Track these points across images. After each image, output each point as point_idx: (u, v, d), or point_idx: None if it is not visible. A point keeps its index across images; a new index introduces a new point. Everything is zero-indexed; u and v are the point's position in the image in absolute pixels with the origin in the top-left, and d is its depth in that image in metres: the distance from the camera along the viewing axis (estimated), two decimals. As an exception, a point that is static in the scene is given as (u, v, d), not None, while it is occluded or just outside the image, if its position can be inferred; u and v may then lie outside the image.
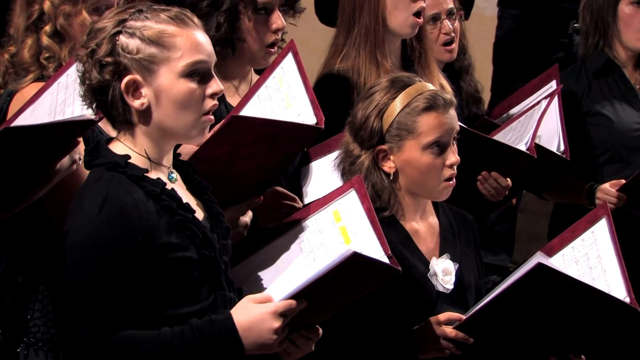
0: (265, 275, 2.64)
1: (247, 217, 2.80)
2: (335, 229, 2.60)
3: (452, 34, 3.70)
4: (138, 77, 2.32)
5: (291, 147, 2.78)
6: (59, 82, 2.55)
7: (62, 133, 2.40)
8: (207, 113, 2.37)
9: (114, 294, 2.27)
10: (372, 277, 2.49)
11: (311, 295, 2.36)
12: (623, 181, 3.63)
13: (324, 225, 2.63)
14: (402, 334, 2.79)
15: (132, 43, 2.32)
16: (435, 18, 3.67)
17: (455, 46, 3.73)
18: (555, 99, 3.58)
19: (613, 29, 3.77)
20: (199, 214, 2.42)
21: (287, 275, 2.61)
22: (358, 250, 2.38)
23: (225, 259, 2.44)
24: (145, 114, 2.34)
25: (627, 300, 2.77)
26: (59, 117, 2.48)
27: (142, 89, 2.33)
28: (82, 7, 2.72)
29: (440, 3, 3.68)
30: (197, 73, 2.34)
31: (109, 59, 2.31)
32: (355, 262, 2.34)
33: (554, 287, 2.66)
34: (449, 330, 2.76)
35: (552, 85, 3.72)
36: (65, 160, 2.45)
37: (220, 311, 2.37)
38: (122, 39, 2.32)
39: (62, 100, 2.51)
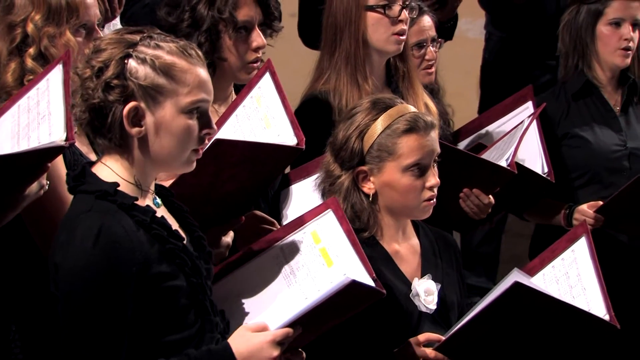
0: (244, 296, 2.63)
1: (229, 238, 2.80)
2: (315, 251, 2.59)
3: (433, 61, 3.75)
4: (142, 104, 2.30)
5: (272, 168, 2.77)
6: (19, 104, 2.51)
7: (31, 160, 2.37)
8: (197, 150, 2.37)
9: (111, 328, 2.25)
10: (359, 301, 2.49)
11: (306, 322, 2.37)
12: (600, 203, 3.63)
13: (302, 246, 2.62)
14: (383, 355, 2.79)
15: (142, 70, 2.29)
16: (420, 45, 3.71)
17: (434, 69, 3.77)
18: (535, 121, 3.59)
19: (592, 49, 3.79)
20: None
21: (267, 296, 2.59)
22: (353, 277, 2.39)
23: (209, 284, 2.44)
24: (142, 142, 2.32)
25: (607, 317, 2.77)
26: (24, 142, 2.43)
27: (144, 117, 2.30)
28: (65, 28, 2.71)
29: (425, 30, 3.72)
30: (198, 111, 2.34)
31: (117, 82, 2.28)
32: (352, 290, 2.34)
33: (532, 305, 2.65)
34: (429, 351, 2.76)
35: (528, 105, 3.73)
36: (34, 186, 2.42)
37: (207, 337, 2.37)
38: (132, 63, 2.29)
39: (25, 123, 2.47)
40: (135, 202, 2.32)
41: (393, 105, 2.87)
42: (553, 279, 2.89)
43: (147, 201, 2.37)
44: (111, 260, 2.24)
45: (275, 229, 2.94)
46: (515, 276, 2.81)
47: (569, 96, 3.83)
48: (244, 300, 2.61)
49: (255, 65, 3.06)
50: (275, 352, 2.32)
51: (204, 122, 2.34)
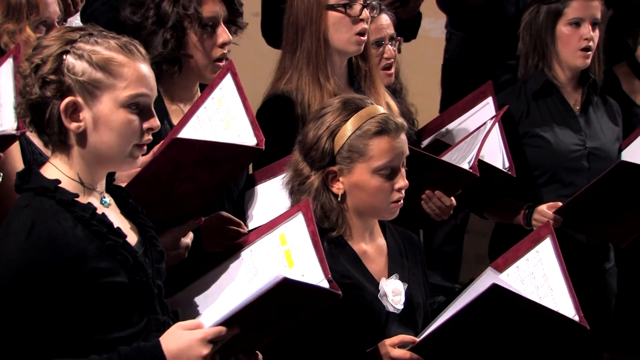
0: (209, 299, 2.63)
1: (188, 239, 2.79)
2: (280, 253, 2.61)
3: (392, 59, 3.74)
4: (79, 99, 2.31)
5: (231, 169, 2.76)
6: None
7: None
8: (141, 146, 2.36)
9: (41, 321, 2.24)
10: (310, 302, 2.47)
11: (243, 321, 2.34)
12: (559, 204, 3.64)
13: (270, 248, 2.63)
14: (355, 356, 2.78)
15: (79, 65, 2.30)
16: (378, 43, 3.70)
17: (394, 70, 3.76)
18: (494, 118, 3.58)
19: (552, 49, 3.78)
20: (132, 238, 2.40)
21: (230, 299, 2.59)
22: (300, 278, 2.40)
23: (158, 283, 2.42)
24: (81, 137, 2.32)
25: (576, 318, 2.79)
26: None
27: (81, 112, 2.31)
28: (25, 25, 2.70)
29: (383, 28, 3.71)
30: (137, 105, 2.33)
31: (53, 77, 2.29)
32: (286, 288, 2.32)
33: (508, 307, 2.65)
34: (402, 353, 2.76)
35: (488, 101, 3.73)
36: None
37: (153, 335, 2.36)
38: (69, 59, 2.31)
39: None
40: (76, 198, 2.32)
41: (364, 106, 2.86)
42: (517, 279, 2.89)
43: (91, 199, 2.36)
44: (43, 254, 2.24)
45: (241, 229, 2.94)
46: (491, 277, 2.81)
47: (529, 95, 3.83)
48: (208, 304, 2.62)
49: (221, 63, 3.05)
50: (205, 351, 2.30)
51: (145, 116, 2.35)
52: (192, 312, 2.61)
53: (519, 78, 3.90)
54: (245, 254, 2.65)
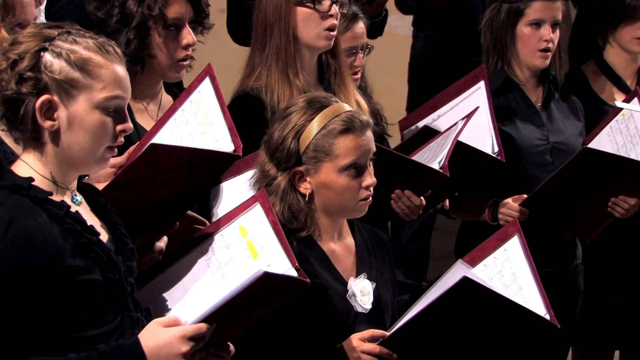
0: (174, 294, 2.62)
1: (162, 243, 2.77)
2: (242, 244, 2.60)
3: (360, 67, 3.73)
4: (55, 98, 2.29)
5: (208, 175, 2.76)
6: None
7: None
8: (112, 148, 2.36)
9: (18, 319, 2.23)
10: (282, 291, 2.49)
11: (221, 317, 2.35)
12: (525, 196, 3.64)
13: (230, 240, 2.62)
14: (325, 351, 2.78)
15: (57, 63, 2.29)
16: (351, 51, 3.68)
17: (359, 75, 3.75)
18: (486, 100, 3.60)
19: (511, 49, 3.77)
20: (104, 236, 2.39)
21: (196, 293, 2.59)
22: (267, 268, 2.40)
23: (130, 280, 2.42)
24: (55, 136, 2.31)
25: (547, 317, 2.79)
26: None
27: (57, 111, 2.30)
28: (0, 26, 2.69)
29: (358, 37, 3.69)
30: (113, 107, 2.32)
31: (30, 74, 2.28)
32: (265, 281, 2.34)
33: (478, 300, 2.66)
34: (373, 347, 2.76)
35: (480, 86, 3.70)
36: None
37: (127, 333, 2.35)
38: (47, 56, 2.30)
39: None
40: (50, 196, 2.31)
41: (328, 104, 2.85)
42: (486, 277, 2.88)
43: (64, 197, 2.35)
44: (21, 252, 2.23)
45: None
46: (462, 270, 2.82)
47: (490, 92, 3.79)
48: (173, 299, 2.61)
49: (184, 63, 3.04)
50: (185, 348, 2.30)
51: (119, 118, 2.34)
52: (158, 307, 2.59)
53: None
54: (206, 247, 2.64)
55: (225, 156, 2.70)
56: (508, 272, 2.88)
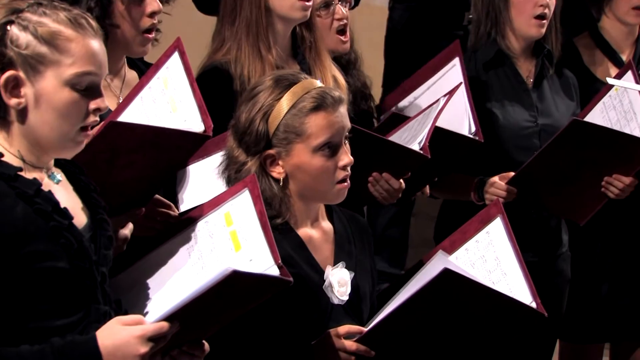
0: (151, 283, 2.61)
1: (127, 230, 2.76)
2: (225, 234, 2.59)
3: (345, 20, 3.69)
4: (21, 74, 2.28)
5: (176, 156, 2.74)
6: None
7: None
8: (86, 129, 2.33)
9: None
10: (260, 290, 2.47)
11: (188, 315, 2.33)
12: (512, 174, 3.64)
13: (214, 228, 2.61)
14: (300, 348, 2.78)
15: (23, 37, 2.27)
16: (327, 4, 3.65)
17: (348, 37, 3.71)
18: (461, 78, 3.59)
19: (505, 16, 3.77)
20: (81, 220, 2.37)
21: (174, 284, 2.58)
22: (249, 263, 2.40)
23: (102, 270, 2.39)
24: (22, 114, 2.29)
25: (534, 305, 2.79)
26: None
27: (23, 88, 2.28)
28: None
29: None
30: (84, 84, 2.29)
31: None
32: (236, 279, 2.31)
33: (461, 293, 2.65)
34: (349, 344, 2.75)
35: (455, 63, 3.71)
36: None
37: (93, 326, 2.34)
38: (14, 30, 2.28)
39: None
40: (20, 172, 2.30)
41: (297, 81, 2.83)
42: (467, 262, 2.88)
43: (37, 174, 2.34)
44: None
45: (171, 212, 2.91)
46: (442, 260, 2.81)
47: (480, 66, 3.81)
48: (150, 289, 2.60)
49: (150, 36, 3.02)
50: (143, 349, 2.27)
51: (92, 96, 2.31)
52: (132, 299, 2.58)
53: (469, 47, 3.89)
54: (188, 234, 2.63)
55: (195, 137, 2.67)
56: (491, 256, 2.87)
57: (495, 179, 3.67)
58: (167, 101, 2.73)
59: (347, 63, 3.74)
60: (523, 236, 3.52)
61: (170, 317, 2.30)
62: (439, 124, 3.43)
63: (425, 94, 3.77)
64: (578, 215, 3.76)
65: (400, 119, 3.64)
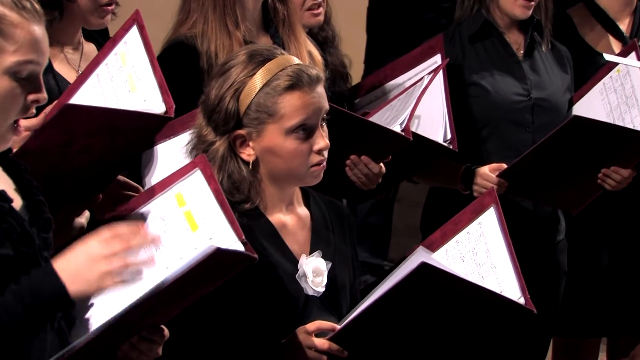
0: None
1: (83, 219, 2.76)
2: (179, 215, 2.59)
3: None
4: None
5: (135, 140, 2.72)
6: None
7: None
8: (18, 124, 2.30)
9: None
10: (227, 268, 2.48)
11: (160, 300, 2.35)
12: (504, 165, 3.63)
13: (165, 211, 2.61)
14: (269, 346, 2.77)
15: None
16: None
17: (322, 10, 3.69)
18: (441, 77, 3.57)
19: None
20: (17, 203, 2.34)
21: None
22: (209, 242, 2.43)
23: (45, 255, 2.37)
24: None
25: (522, 300, 2.79)
26: None
27: None
28: None
29: None
30: (25, 73, 2.26)
31: None
32: (215, 258, 2.33)
33: (440, 288, 2.65)
34: (321, 342, 2.74)
35: (437, 59, 3.70)
36: None
37: None
38: None
39: None
40: None
41: (272, 57, 2.81)
42: (457, 255, 2.89)
43: None
44: None
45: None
46: (421, 256, 2.80)
47: (465, 39, 3.80)
48: None
49: (109, 8, 3.00)
50: (105, 266, 2.24)
51: (33, 87, 2.28)
52: None
53: (455, 20, 3.88)
54: (137, 218, 2.63)
55: (155, 118, 2.66)
56: (482, 249, 2.88)
57: (485, 170, 3.66)
58: (125, 79, 2.71)
59: (325, 40, 3.72)
60: (519, 223, 3.62)
61: (143, 303, 2.31)
62: (415, 125, 3.43)
63: (400, 86, 3.76)
64: (570, 206, 3.76)
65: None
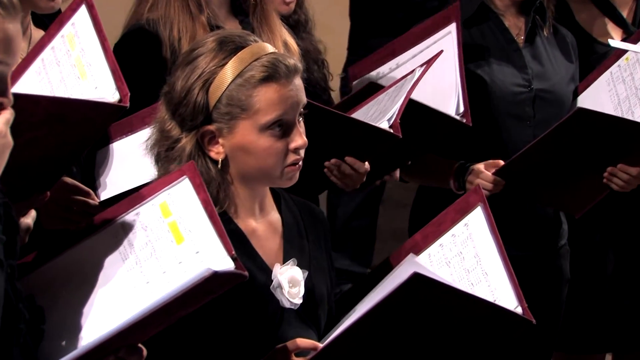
0: (72, 282, 2.60)
1: (29, 219, 2.73)
2: (163, 226, 2.58)
3: None
4: None
5: (87, 131, 2.67)
6: None
7: None
8: None
9: None
10: (216, 288, 2.49)
11: (146, 323, 2.38)
12: (501, 162, 3.61)
13: (148, 221, 2.61)
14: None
15: None
16: None
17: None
18: (455, 44, 3.57)
19: None
20: None
21: (101, 283, 2.58)
22: (195, 256, 2.45)
23: (11, 263, 2.35)
24: None
25: (519, 310, 2.78)
26: None
27: None
28: None
29: None
30: None
31: None
32: (209, 281, 2.36)
33: (435, 300, 2.63)
34: None
35: (451, 29, 3.67)
36: None
37: (5, 328, 2.32)
38: None
39: None
40: None
41: (245, 44, 2.79)
42: (442, 260, 2.88)
43: None
44: None
45: (90, 200, 2.92)
46: (412, 265, 2.79)
47: (460, 23, 3.75)
48: (71, 287, 2.60)
49: None
50: None
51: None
52: (51, 298, 2.58)
53: (449, 2, 3.85)
54: (117, 227, 2.63)
55: (108, 108, 2.63)
56: (470, 253, 2.86)
57: (481, 167, 3.65)
58: (74, 64, 2.69)
59: (296, 24, 3.73)
60: (516, 226, 3.65)
61: (130, 329, 2.34)
62: (420, 99, 3.40)
63: (409, 63, 3.74)
64: (573, 207, 3.76)
65: (379, 89, 3.59)
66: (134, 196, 2.65)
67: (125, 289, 2.50)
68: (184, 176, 2.59)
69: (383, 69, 3.77)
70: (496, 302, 2.74)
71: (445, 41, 3.67)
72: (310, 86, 3.59)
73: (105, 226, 2.63)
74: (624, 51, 3.73)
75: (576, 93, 3.84)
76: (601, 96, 3.70)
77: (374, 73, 3.76)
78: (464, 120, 3.56)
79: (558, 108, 3.73)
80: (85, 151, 2.89)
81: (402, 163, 3.70)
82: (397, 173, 3.73)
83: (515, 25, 3.82)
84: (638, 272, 4.07)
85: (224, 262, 2.50)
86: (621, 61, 3.77)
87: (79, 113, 2.58)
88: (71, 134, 2.62)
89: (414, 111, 3.37)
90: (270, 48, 2.81)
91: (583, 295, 4.05)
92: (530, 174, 3.62)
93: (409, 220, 3.96)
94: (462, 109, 3.57)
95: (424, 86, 3.40)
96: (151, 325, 2.45)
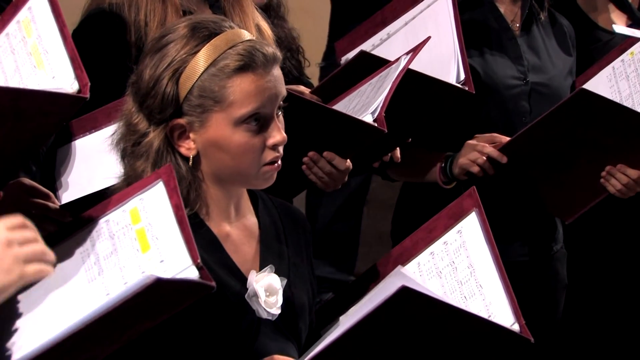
0: (31, 293, 2.57)
1: None
2: (130, 234, 2.58)
3: None
4: None
5: (43, 125, 2.65)
6: None
7: None
8: None
9: None
10: (178, 298, 2.49)
11: (89, 334, 2.36)
12: (497, 135, 3.62)
13: (116, 228, 2.60)
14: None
15: None
16: None
17: None
18: (451, 8, 3.56)
19: None
20: None
21: (62, 294, 2.56)
22: (158, 265, 2.44)
23: None
24: None
25: (516, 327, 2.77)
26: None
27: None
28: None
29: None
30: None
31: None
32: (157, 289, 2.34)
33: (424, 316, 2.62)
34: None
35: None
36: None
37: None
38: None
39: None
40: None
41: (219, 31, 2.77)
42: (433, 270, 2.87)
43: None
44: None
45: (49, 203, 2.91)
46: (400, 277, 2.80)
47: None
48: (30, 297, 2.58)
49: None
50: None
51: None
52: (10, 309, 2.55)
53: None
54: (84, 235, 2.62)
55: (67, 99, 2.60)
56: (463, 263, 2.85)
57: (472, 142, 3.64)
58: (30, 52, 2.67)
59: (267, 9, 3.74)
60: (508, 232, 3.64)
61: (70, 338, 2.33)
62: (418, 68, 3.40)
63: (402, 31, 3.75)
64: (564, 211, 3.76)
65: (372, 60, 3.57)
66: (106, 202, 2.64)
67: (85, 301, 2.48)
68: (159, 179, 2.58)
69: (374, 40, 3.76)
70: (491, 319, 2.73)
71: (439, 4, 3.66)
72: (284, 74, 3.62)
73: (73, 234, 2.62)
74: (628, 44, 3.72)
75: (574, 88, 3.83)
76: (601, 92, 3.66)
77: (363, 46, 3.74)
78: (466, 88, 3.55)
79: (555, 103, 3.67)
80: (41, 147, 2.91)
81: (401, 142, 3.68)
82: (397, 152, 3.71)
83: (511, 11, 3.82)
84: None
85: (188, 271, 2.48)
86: (625, 55, 3.76)
87: (34, 104, 2.57)
88: (26, 127, 2.62)
89: (411, 82, 3.37)
90: (247, 35, 2.79)
91: (581, 303, 4.07)
92: (531, 157, 3.61)
93: (392, 222, 3.96)
94: (462, 76, 3.57)
95: (419, 54, 3.39)
96: (103, 338, 2.43)
